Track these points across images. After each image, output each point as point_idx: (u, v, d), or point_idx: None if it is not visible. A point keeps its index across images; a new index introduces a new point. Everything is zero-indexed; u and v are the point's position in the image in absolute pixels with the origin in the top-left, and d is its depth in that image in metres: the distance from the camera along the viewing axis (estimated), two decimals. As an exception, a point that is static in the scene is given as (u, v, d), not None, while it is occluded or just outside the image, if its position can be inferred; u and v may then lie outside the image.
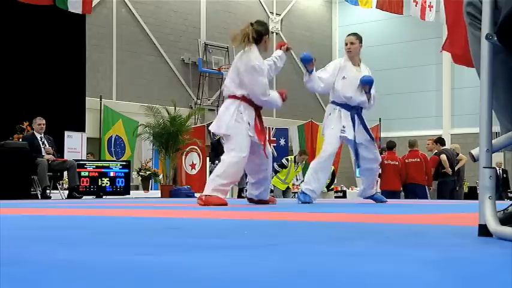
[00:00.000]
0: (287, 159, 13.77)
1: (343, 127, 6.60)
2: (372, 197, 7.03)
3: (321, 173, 6.60)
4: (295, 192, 16.57)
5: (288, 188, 13.63)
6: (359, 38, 6.75)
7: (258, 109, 5.84)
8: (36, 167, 9.91)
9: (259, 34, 5.76)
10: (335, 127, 6.61)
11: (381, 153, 13.11)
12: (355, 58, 6.71)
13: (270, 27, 21.95)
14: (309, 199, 6.56)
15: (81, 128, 15.38)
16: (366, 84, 6.57)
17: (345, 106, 6.64)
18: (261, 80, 5.67)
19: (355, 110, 6.64)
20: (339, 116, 6.62)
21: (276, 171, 13.74)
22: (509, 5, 1.80)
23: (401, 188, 12.10)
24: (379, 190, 13.27)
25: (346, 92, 6.57)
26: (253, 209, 5.25)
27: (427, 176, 11.92)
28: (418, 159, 11.83)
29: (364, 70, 6.75)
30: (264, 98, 5.74)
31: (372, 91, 6.71)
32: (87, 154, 15.20)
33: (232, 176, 5.69)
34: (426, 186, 11.90)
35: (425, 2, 16.13)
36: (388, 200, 7.80)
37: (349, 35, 6.85)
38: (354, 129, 6.60)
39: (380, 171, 11.77)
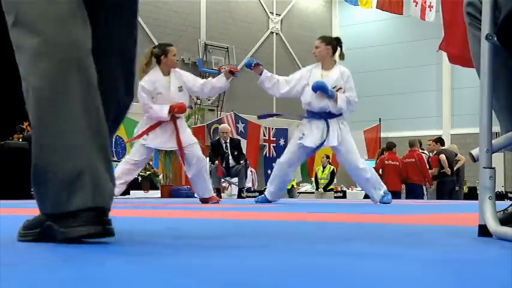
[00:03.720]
0: None
1: (303, 134, 6.59)
2: (380, 201, 6.83)
3: (274, 179, 6.80)
4: (300, 192, 16.57)
5: (292, 186, 13.66)
6: (325, 41, 6.63)
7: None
8: (36, 167, 9.91)
9: (156, 56, 6.45)
10: (296, 136, 6.69)
11: (381, 154, 13.17)
12: (324, 62, 6.60)
13: (270, 27, 21.96)
14: (263, 199, 6.90)
15: (81, 128, 15.37)
16: (315, 90, 6.44)
17: (308, 113, 6.65)
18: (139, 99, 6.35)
19: (318, 116, 6.56)
20: (304, 124, 6.67)
21: None
22: (509, 5, 1.80)
23: (401, 188, 12.12)
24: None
25: (306, 99, 6.58)
26: (253, 209, 5.25)
27: (424, 175, 11.94)
28: (413, 160, 11.86)
29: (335, 73, 6.55)
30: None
31: (344, 95, 6.49)
32: None
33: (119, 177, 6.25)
34: (423, 186, 11.94)
35: (425, 2, 16.13)
36: None
37: (317, 39, 6.79)
38: (326, 135, 6.51)
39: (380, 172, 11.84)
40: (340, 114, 6.63)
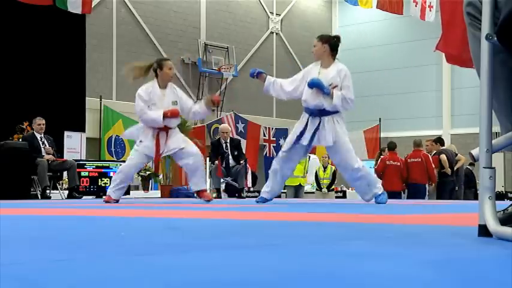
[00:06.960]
0: None
1: (300, 133, 6.54)
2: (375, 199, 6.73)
3: (272, 176, 6.71)
4: (307, 192, 16.56)
5: (300, 185, 13.60)
6: (322, 39, 6.56)
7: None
8: (36, 167, 9.91)
9: (154, 70, 6.85)
10: (293, 132, 6.66)
11: (380, 154, 13.18)
12: (323, 60, 6.55)
13: (270, 27, 21.96)
14: (262, 200, 6.73)
15: (81, 128, 15.36)
16: (311, 87, 6.42)
17: (305, 110, 6.61)
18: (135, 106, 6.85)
19: (313, 113, 6.48)
20: (301, 120, 6.63)
21: None
22: (509, 5, 1.80)
23: (402, 189, 12.13)
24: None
25: (303, 96, 6.56)
26: (254, 209, 5.26)
27: (430, 175, 11.94)
28: (419, 159, 11.85)
29: (332, 71, 6.48)
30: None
31: (340, 92, 6.39)
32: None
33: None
34: (426, 185, 11.94)
35: (425, 2, 16.13)
36: (389, 200, 7.72)
37: (316, 38, 6.77)
38: (315, 134, 6.44)
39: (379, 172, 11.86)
40: (336, 112, 6.52)
